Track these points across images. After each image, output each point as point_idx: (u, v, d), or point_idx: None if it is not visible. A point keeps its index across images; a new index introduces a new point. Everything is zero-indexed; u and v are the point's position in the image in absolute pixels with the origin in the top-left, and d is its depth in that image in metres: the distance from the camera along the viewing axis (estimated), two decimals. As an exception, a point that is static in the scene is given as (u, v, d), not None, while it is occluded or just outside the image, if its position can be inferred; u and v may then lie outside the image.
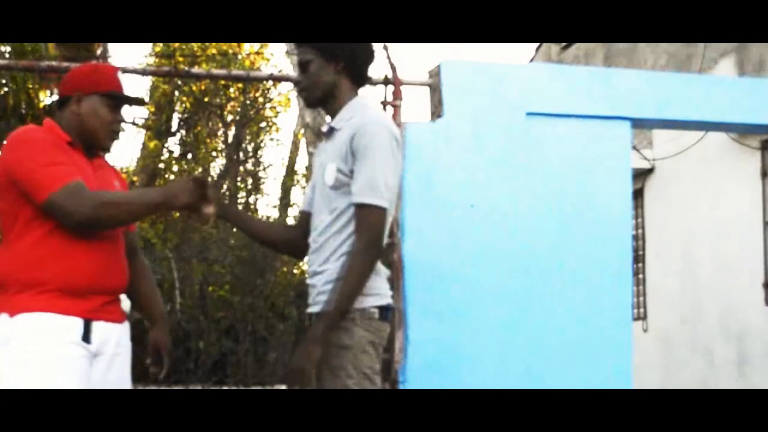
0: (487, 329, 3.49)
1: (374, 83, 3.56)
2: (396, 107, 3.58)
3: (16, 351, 2.21)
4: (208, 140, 10.87)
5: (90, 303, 2.31)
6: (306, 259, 2.74)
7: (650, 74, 4.59)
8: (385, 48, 3.64)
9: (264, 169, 8.77)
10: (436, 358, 3.48)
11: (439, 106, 3.57)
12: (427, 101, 3.75)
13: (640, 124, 3.78)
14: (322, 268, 2.57)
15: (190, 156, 10.92)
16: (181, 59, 8.16)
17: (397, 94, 3.60)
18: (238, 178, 7.96)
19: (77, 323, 2.27)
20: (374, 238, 2.48)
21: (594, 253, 3.60)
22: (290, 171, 9.41)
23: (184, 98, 7.56)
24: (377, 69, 3.19)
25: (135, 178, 10.76)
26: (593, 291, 3.58)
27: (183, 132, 13.66)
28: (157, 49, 8.70)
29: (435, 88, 3.60)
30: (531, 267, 3.55)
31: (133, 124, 13.32)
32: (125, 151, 28.86)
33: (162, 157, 13.16)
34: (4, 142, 2.39)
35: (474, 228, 3.52)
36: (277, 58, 9.96)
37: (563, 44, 9.62)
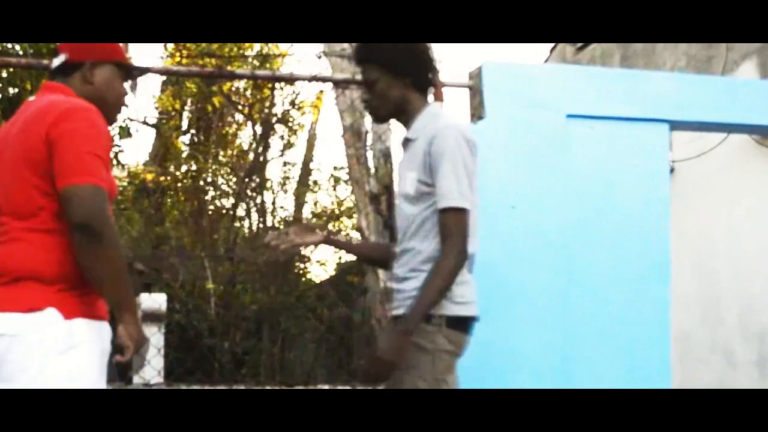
0: (528, 329, 3.51)
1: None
2: (437, 108, 3.60)
3: (75, 359, 2.07)
4: (230, 139, 10.89)
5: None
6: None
7: (688, 77, 4.63)
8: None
9: (290, 169, 8.82)
10: (478, 358, 3.49)
11: (480, 107, 3.60)
12: (466, 103, 3.78)
13: (678, 127, 3.81)
14: (410, 274, 2.63)
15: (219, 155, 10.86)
16: (212, 60, 8.18)
17: (438, 96, 3.62)
18: (266, 178, 8.01)
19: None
20: (460, 240, 2.54)
21: (633, 254, 3.62)
22: (306, 170, 9.44)
23: (215, 98, 7.60)
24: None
25: (149, 176, 10.78)
26: (632, 292, 3.61)
27: (193, 131, 13.70)
28: (187, 49, 8.72)
29: (475, 90, 3.63)
30: (571, 268, 3.57)
31: (144, 123, 13.37)
32: (137, 150, 28.79)
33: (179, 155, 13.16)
34: (52, 106, 2.15)
35: (514, 229, 3.55)
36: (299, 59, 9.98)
37: (578, 45, 9.61)
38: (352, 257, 8.29)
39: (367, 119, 3.81)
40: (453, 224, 2.56)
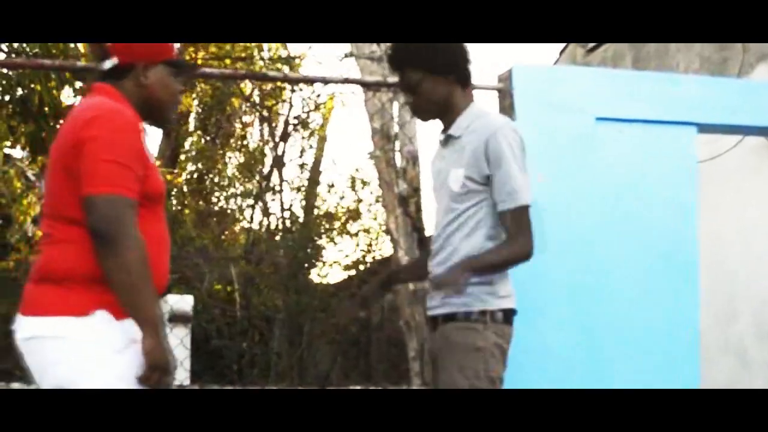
0: (557, 330, 3.54)
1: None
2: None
3: (129, 358, 2.05)
4: (238, 140, 10.91)
5: None
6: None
7: (716, 80, 4.65)
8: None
9: (309, 170, 8.84)
10: (509, 359, 3.53)
11: (510, 110, 3.62)
12: (494, 105, 3.80)
13: (705, 129, 3.83)
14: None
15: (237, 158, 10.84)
16: (226, 61, 8.20)
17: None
18: (285, 178, 8.05)
19: None
20: (531, 236, 2.58)
21: (661, 256, 3.66)
22: (315, 172, 9.46)
23: (234, 99, 7.63)
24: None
25: (169, 177, 10.79)
26: (661, 292, 3.64)
27: (200, 132, 13.69)
28: (212, 49, 8.71)
29: (505, 93, 3.65)
30: (600, 269, 3.60)
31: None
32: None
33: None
34: (84, 111, 2.12)
35: (545, 231, 3.57)
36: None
37: (589, 47, 9.62)
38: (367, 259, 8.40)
39: (396, 121, 3.82)
40: (525, 221, 2.64)
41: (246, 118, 12.12)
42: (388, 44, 3.87)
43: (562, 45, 10.29)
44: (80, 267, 2.06)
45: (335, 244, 7.47)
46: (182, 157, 11.92)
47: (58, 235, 2.11)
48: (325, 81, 3.37)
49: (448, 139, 2.74)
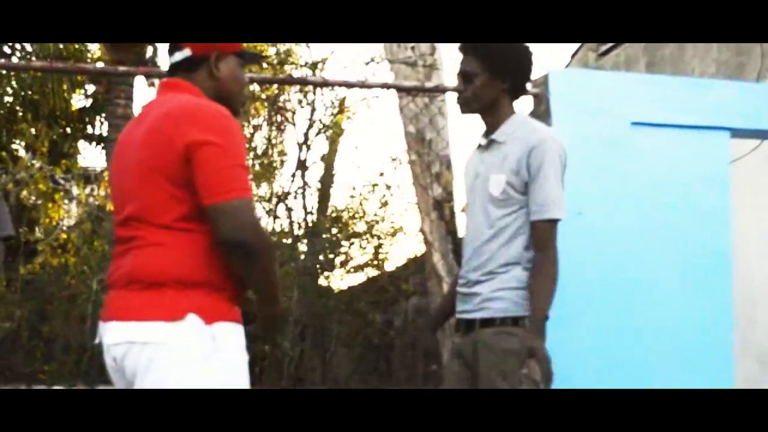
0: (594, 333, 3.56)
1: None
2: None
3: (219, 363, 2.03)
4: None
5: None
6: (462, 265, 2.81)
7: (749, 86, 4.67)
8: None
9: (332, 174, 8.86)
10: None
11: (546, 115, 3.64)
12: (528, 110, 3.83)
13: (738, 134, 3.86)
14: (485, 277, 2.67)
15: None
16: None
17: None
18: (306, 183, 8.05)
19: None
20: (554, 249, 2.61)
21: (696, 260, 3.68)
22: (328, 174, 9.47)
23: (258, 103, 7.64)
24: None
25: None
26: (696, 296, 3.66)
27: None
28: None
29: (541, 98, 3.68)
30: (636, 272, 3.62)
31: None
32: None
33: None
34: (180, 111, 2.06)
35: (582, 235, 3.59)
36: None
37: (601, 51, 9.64)
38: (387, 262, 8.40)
39: (432, 126, 3.84)
40: (550, 235, 2.67)
41: (254, 121, 12.12)
42: (424, 50, 3.92)
43: (573, 49, 10.32)
44: (172, 270, 2.03)
45: (362, 248, 7.48)
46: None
47: (149, 238, 2.06)
48: (365, 86, 3.39)
49: (490, 144, 2.75)
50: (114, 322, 2.07)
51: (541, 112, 3.67)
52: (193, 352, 2.00)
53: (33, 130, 7.77)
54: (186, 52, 2.21)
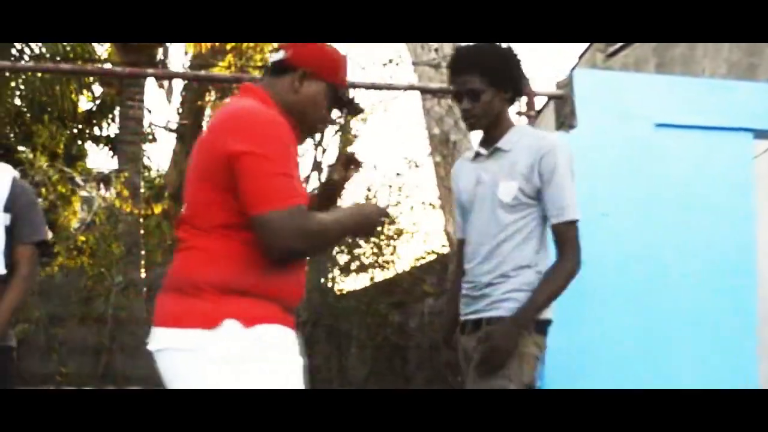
0: (619, 333, 3.58)
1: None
2: (530, 118, 3.67)
3: (261, 366, 2.00)
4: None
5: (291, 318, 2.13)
6: (467, 266, 2.82)
7: (772, 87, 4.68)
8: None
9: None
10: (569, 363, 3.56)
11: (571, 116, 3.66)
12: (550, 111, 3.84)
13: (761, 135, 3.88)
14: (499, 279, 2.72)
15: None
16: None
17: (531, 106, 3.69)
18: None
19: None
20: (579, 250, 2.63)
21: (720, 260, 3.70)
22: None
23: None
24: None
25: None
26: (720, 296, 3.68)
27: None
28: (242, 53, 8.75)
29: (566, 99, 3.69)
30: (660, 273, 3.64)
31: (166, 128, 13.41)
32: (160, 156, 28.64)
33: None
34: (229, 119, 2.03)
35: (606, 236, 3.61)
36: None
37: (609, 52, 9.64)
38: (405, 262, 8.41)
39: (457, 128, 3.86)
40: (573, 235, 2.73)
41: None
42: (448, 52, 3.93)
43: (581, 50, 10.32)
44: (210, 276, 2.01)
45: (378, 248, 7.49)
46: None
47: (191, 241, 2.06)
48: (392, 87, 3.40)
49: (494, 152, 2.78)
50: (157, 328, 2.06)
51: (566, 114, 3.69)
52: (230, 359, 1.97)
53: (48, 132, 7.76)
54: (281, 54, 2.17)
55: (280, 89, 2.14)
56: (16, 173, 3.17)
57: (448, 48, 3.94)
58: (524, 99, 3.68)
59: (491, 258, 2.74)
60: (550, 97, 3.73)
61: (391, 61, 5.85)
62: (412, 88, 3.49)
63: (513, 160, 2.73)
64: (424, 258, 7.51)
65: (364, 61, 11.20)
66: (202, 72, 7.72)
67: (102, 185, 8.13)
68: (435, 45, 3.90)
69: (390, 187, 7.65)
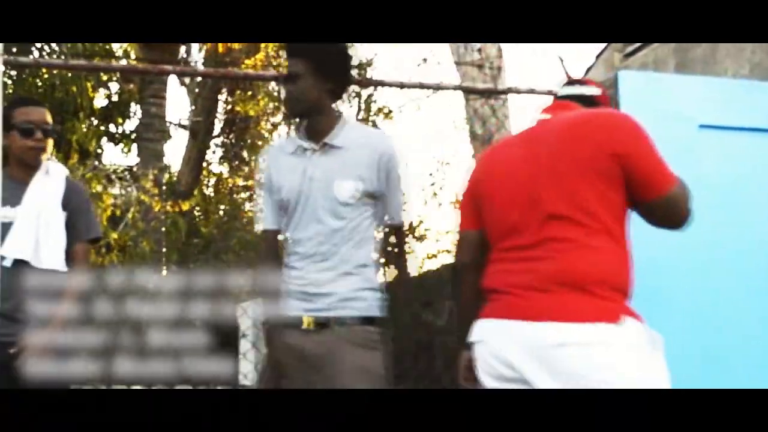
0: (667, 337, 3.58)
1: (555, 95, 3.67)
2: (575, 118, 3.68)
3: (659, 363, 2.24)
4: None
5: None
6: (298, 264, 2.82)
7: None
8: (561, 60, 3.74)
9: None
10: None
11: (615, 117, 3.67)
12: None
13: (806, 138, 3.88)
14: (342, 278, 2.74)
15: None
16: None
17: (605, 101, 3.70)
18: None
19: None
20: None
21: (765, 261, 3.71)
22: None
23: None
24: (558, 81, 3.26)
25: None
26: (764, 299, 3.69)
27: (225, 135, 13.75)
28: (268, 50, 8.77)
29: (611, 99, 3.70)
30: (704, 275, 3.65)
31: (179, 125, 13.44)
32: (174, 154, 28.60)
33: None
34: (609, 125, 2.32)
35: (651, 237, 3.61)
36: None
37: (626, 52, 9.67)
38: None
39: (499, 128, 3.88)
40: (405, 237, 2.88)
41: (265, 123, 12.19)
42: (488, 52, 3.96)
43: (598, 49, 10.35)
44: (608, 274, 2.21)
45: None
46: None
47: (582, 240, 2.20)
48: (440, 87, 3.42)
49: (324, 148, 2.77)
50: (548, 323, 2.15)
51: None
52: (641, 351, 2.16)
53: (83, 128, 7.79)
54: (594, 91, 2.60)
55: None
56: (68, 171, 3.20)
57: (491, 49, 3.96)
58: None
59: (331, 256, 2.74)
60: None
61: (425, 60, 5.86)
62: (458, 88, 3.51)
63: (349, 157, 2.74)
64: (449, 255, 7.54)
65: (396, 60, 11.25)
66: (233, 69, 7.71)
67: (134, 182, 8.15)
68: (478, 45, 3.92)
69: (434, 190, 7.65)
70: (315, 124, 2.77)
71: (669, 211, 2.35)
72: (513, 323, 2.20)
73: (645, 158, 2.29)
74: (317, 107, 2.75)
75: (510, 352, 2.20)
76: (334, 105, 2.81)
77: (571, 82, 2.62)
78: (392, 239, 2.81)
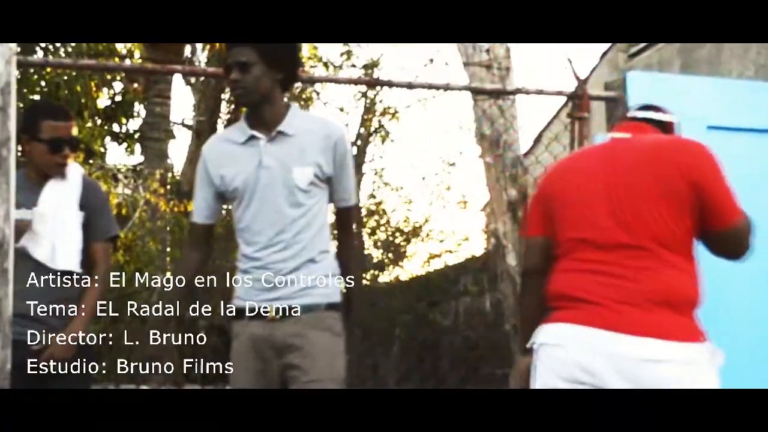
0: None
1: (564, 96, 3.68)
2: (583, 120, 3.68)
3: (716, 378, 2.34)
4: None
5: None
6: (258, 254, 2.79)
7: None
8: (570, 61, 3.75)
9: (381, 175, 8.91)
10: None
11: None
12: (598, 113, 3.85)
13: (815, 139, 3.88)
14: (305, 265, 2.75)
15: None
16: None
17: (583, 107, 3.70)
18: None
19: None
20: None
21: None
22: (358, 171, 9.52)
23: (309, 102, 7.65)
24: (567, 82, 3.27)
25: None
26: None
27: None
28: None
29: (619, 100, 3.70)
30: (712, 277, 3.63)
31: (182, 125, 13.42)
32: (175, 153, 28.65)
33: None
34: (687, 149, 2.45)
35: (659, 237, 3.62)
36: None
37: (631, 52, 9.66)
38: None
39: (507, 128, 3.88)
40: (357, 218, 2.92)
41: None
42: (499, 53, 3.96)
43: (603, 50, 10.33)
44: (693, 295, 2.37)
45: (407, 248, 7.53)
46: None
47: (668, 259, 2.33)
48: (447, 88, 3.42)
49: (277, 136, 2.77)
50: (647, 338, 2.26)
51: (618, 116, 3.69)
52: (714, 370, 2.33)
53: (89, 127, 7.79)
54: (669, 117, 2.77)
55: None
56: (83, 171, 3.21)
57: (499, 50, 3.97)
58: (577, 100, 3.69)
59: (293, 244, 2.74)
60: (604, 99, 3.73)
61: (431, 60, 5.86)
62: (467, 88, 3.51)
63: (302, 144, 2.76)
64: (455, 255, 7.55)
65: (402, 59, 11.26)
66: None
67: (141, 182, 8.15)
68: (486, 46, 3.92)
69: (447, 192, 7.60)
70: (265, 113, 2.77)
71: (733, 242, 2.45)
72: (600, 332, 2.29)
73: (719, 190, 2.39)
74: (268, 97, 2.76)
75: (593, 359, 2.28)
76: (283, 93, 2.83)
77: (647, 106, 2.76)
78: (346, 220, 2.87)
